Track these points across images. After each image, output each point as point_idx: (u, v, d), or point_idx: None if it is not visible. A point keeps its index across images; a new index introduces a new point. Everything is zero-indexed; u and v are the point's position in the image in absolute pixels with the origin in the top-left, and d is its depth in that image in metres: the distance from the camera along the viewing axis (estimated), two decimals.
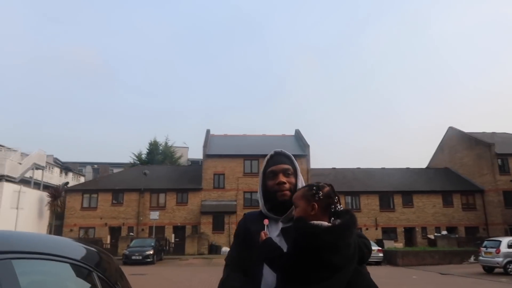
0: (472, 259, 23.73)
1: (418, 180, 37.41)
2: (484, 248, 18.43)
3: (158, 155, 46.39)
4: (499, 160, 35.02)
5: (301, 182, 1.83)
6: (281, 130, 55.10)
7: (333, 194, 1.57)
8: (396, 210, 35.12)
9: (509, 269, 17.08)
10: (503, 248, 17.43)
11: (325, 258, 1.45)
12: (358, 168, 39.80)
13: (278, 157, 1.86)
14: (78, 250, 1.77)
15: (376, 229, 34.33)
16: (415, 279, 16.05)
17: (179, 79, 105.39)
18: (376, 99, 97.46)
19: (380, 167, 40.36)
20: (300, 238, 1.49)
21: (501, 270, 17.29)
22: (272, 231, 1.72)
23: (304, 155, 35.25)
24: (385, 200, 35.42)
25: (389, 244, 30.19)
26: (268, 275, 1.64)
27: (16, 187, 28.63)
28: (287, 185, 1.76)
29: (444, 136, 42.24)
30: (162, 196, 33.67)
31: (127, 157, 54.97)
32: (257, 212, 1.88)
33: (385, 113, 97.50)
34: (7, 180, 28.43)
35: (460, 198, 35.87)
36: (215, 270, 20.21)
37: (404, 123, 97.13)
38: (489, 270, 18.09)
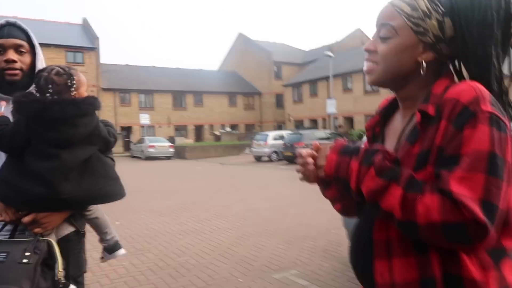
0: (247, 150, 27.78)
1: (209, 82, 39.79)
2: (256, 141, 21.79)
3: None
4: (275, 67, 40.28)
5: (42, 63, 1.60)
6: (65, 17, 47.89)
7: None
8: (187, 109, 37.01)
9: (272, 158, 20.92)
10: (270, 141, 21.02)
11: (31, 127, 1.42)
12: (154, 67, 39.24)
13: (10, 29, 1.54)
14: None
15: (169, 127, 35.74)
16: (199, 169, 17.89)
17: None
18: None
19: (175, 67, 40.86)
20: (13, 104, 1.44)
21: (267, 158, 21.05)
22: (7, 113, 1.52)
23: (93, 48, 32.21)
24: (178, 99, 36.68)
25: (180, 140, 32.04)
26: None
27: None
28: (18, 64, 1.51)
29: (234, 41, 45.24)
30: None
31: None
32: None
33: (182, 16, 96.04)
34: None
35: (243, 99, 40.41)
36: None
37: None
38: (258, 159, 21.73)
